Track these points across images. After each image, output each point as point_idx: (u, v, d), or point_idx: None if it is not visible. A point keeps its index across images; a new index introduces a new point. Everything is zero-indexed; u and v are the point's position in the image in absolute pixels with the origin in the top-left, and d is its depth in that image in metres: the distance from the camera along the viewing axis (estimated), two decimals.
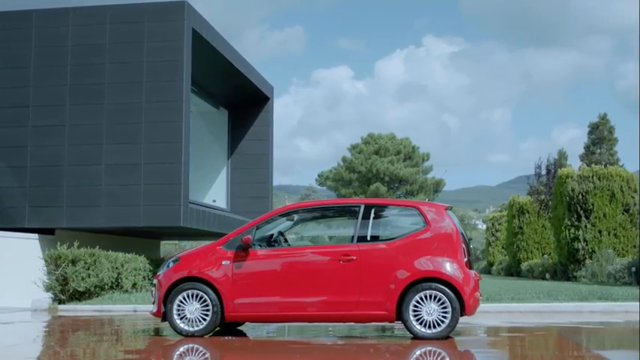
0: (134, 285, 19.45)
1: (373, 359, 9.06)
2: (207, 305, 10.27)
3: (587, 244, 26.87)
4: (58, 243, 18.18)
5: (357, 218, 10.36)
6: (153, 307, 10.68)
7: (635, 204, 27.23)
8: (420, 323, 9.90)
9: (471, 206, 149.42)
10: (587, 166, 29.22)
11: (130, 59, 20.17)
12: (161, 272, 10.68)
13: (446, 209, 10.47)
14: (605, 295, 16.64)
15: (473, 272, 10.23)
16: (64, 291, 17.34)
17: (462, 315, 9.99)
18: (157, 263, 21.50)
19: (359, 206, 10.51)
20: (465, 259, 10.16)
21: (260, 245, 10.47)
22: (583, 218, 27.16)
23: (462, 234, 10.37)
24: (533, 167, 35.29)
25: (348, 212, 10.89)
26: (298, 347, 9.96)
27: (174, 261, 10.61)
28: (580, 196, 27.18)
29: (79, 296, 17.58)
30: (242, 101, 27.17)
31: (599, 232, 26.98)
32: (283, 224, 10.92)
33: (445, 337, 9.91)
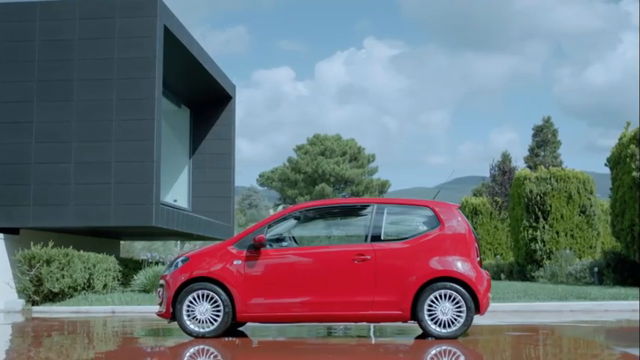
0: (104, 286, 19.07)
1: (386, 358, 9.03)
2: (217, 306, 10.08)
3: (544, 245, 27.34)
4: (32, 242, 17.69)
5: (370, 218, 10.31)
6: (160, 308, 10.44)
7: (591, 205, 27.80)
8: (435, 323, 9.90)
9: None
10: (531, 168, 29.78)
11: (100, 55, 19.76)
12: (168, 272, 10.45)
13: (457, 208, 10.51)
14: (582, 294, 16.95)
15: (484, 272, 10.28)
16: (38, 292, 16.87)
17: (475, 314, 10.02)
18: (125, 264, 21.15)
19: (371, 205, 10.47)
20: (478, 259, 10.21)
21: (271, 245, 10.33)
22: (541, 219, 27.62)
23: (474, 233, 10.42)
24: (488, 169, 35.77)
25: (360, 212, 10.81)
26: (305, 348, 9.88)
27: (182, 261, 10.40)
28: (538, 198, 27.65)
29: (52, 297, 17.14)
30: (204, 100, 26.88)
31: (557, 233, 27.48)
32: (294, 223, 10.79)
33: (457, 337, 9.92)
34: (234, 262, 10.13)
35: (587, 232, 27.65)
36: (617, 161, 21.48)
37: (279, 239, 10.56)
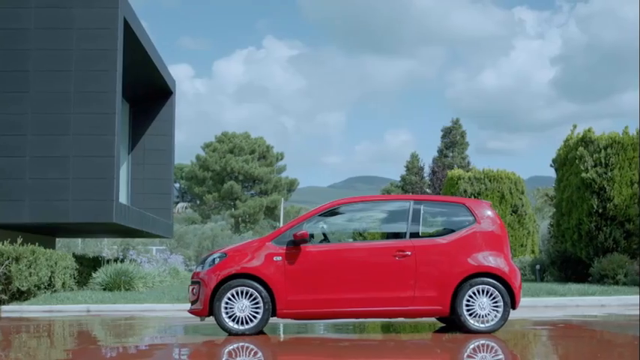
0: (63, 284, 18.44)
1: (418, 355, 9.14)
2: (257, 303, 9.94)
3: None
4: None
5: (407, 214, 10.38)
6: (196, 306, 10.19)
7: (522, 205, 28.71)
8: (472, 317, 10.06)
9: (304, 207, 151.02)
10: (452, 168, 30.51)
11: (57, 46, 19.11)
12: (202, 270, 10.23)
13: (490, 205, 10.72)
14: (551, 291, 17.50)
15: (516, 267, 10.52)
16: (6, 290, 16.15)
17: (510, 308, 10.23)
18: (80, 261, 20.54)
19: (408, 202, 10.54)
20: (511, 255, 10.45)
21: (309, 241, 10.26)
22: None
23: (505, 228, 10.65)
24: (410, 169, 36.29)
25: (396, 208, 10.85)
26: (339, 345, 9.88)
27: (220, 257, 10.19)
28: (472, 197, 28.32)
29: (18, 296, 16.45)
30: (145, 94, 26.31)
31: None
32: (332, 220, 10.75)
33: (495, 331, 10.11)
34: (274, 259, 10.02)
35: (518, 231, 28.53)
36: (564, 162, 22.28)
37: (316, 235, 10.52)
